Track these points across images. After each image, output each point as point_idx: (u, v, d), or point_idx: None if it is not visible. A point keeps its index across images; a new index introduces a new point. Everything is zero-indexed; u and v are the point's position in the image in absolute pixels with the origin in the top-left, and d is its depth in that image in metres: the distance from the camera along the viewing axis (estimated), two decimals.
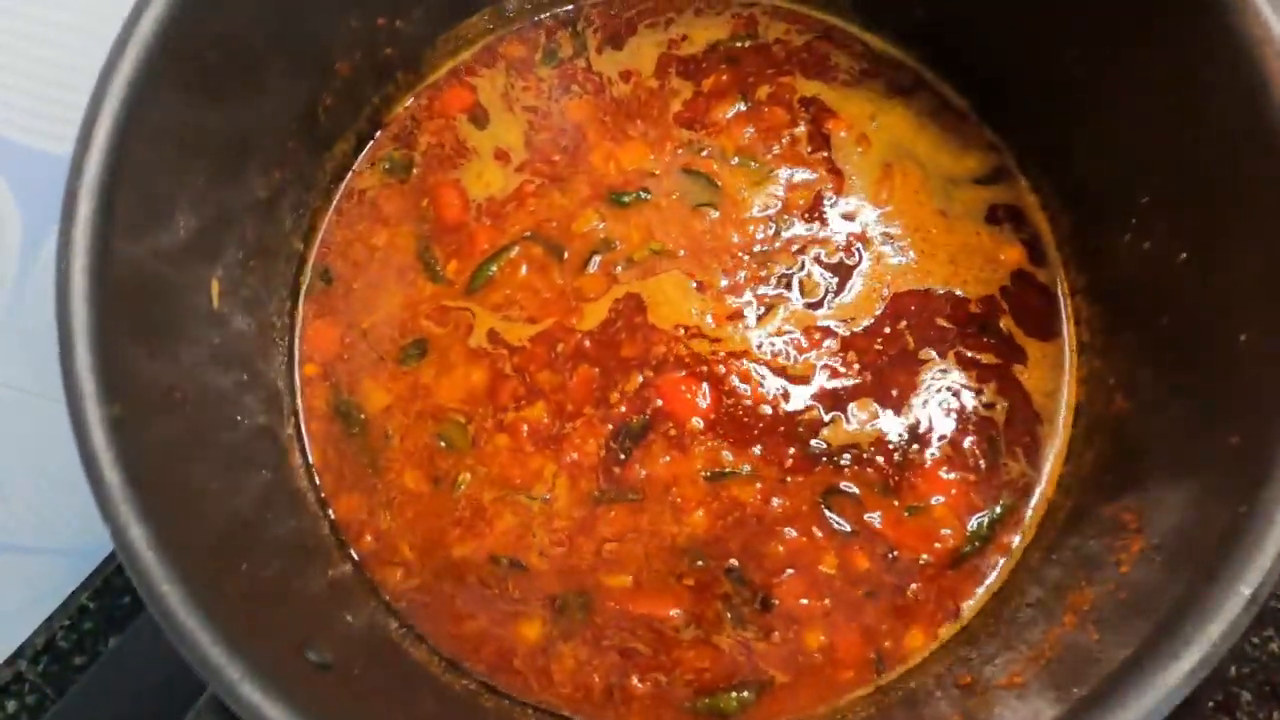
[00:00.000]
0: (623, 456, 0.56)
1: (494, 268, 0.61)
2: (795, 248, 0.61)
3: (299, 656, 0.40)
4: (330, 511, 0.57)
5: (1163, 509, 0.44)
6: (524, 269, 0.61)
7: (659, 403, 0.57)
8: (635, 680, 0.52)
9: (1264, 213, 0.41)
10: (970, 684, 0.46)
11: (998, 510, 0.56)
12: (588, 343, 0.59)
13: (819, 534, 0.55)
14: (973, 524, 0.55)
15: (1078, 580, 0.47)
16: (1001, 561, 0.55)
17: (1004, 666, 0.45)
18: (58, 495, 0.68)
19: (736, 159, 0.63)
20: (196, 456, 0.45)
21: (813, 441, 0.56)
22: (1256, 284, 0.42)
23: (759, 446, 0.56)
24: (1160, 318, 0.50)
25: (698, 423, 0.57)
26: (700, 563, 0.54)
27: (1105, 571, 0.45)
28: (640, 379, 0.58)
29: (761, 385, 0.58)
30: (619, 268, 0.61)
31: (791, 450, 0.56)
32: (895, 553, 0.54)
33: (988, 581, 0.54)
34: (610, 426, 0.57)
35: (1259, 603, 0.34)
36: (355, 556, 0.56)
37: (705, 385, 0.57)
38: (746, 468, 0.56)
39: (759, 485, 0.55)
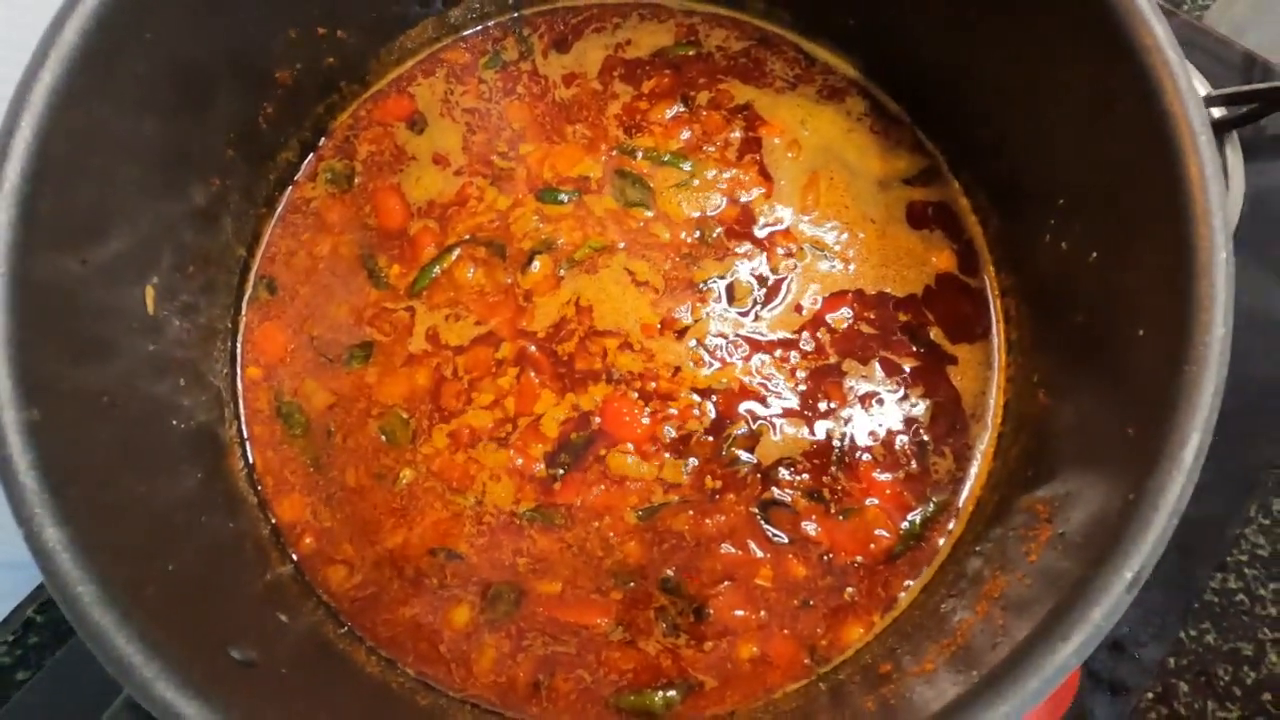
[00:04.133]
0: (560, 472, 0.57)
1: (437, 269, 0.62)
2: (724, 254, 0.62)
3: (221, 655, 0.40)
4: (271, 514, 0.57)
5: (1070, 500, 0.45)
6: (471, 271, 0.62)
7: (598, 421, 0.58)
8: (559, 677, 0.53)
9: (1158, 213, 0.43)
10: (888, 673, 0.47)
11: (930, 507, 0.57)
12: (533, 348, 0.60)
13: (755, 548, 0.55)
14: (906, 523, 0.56)
15: (993, 570, 0.48)
16: (933, 556, 0.56)
17: (920, 656, 0.46)
18: (2, 507, 0.67)
19: (668, 157, 0.64)
20: (126, 460, 0.45)
21: (744, 456, 0.57)
22: (1152, 282, 0.43)
23: (689, 465, 0.57)
24: (1075, 315, 0.52)
25: (630, 447, 0.57)
26: (632, 584, 0.55)
27: (1016, 561, 0.46)
28: (585, 394, 0.58)
29: (692, 403, 0.58)
30: (562, 269, 0.62)
31: (720, 470, 0.57)
32: (830, 555, 0.55)
33: (920, 575, 0.55)
34: (554, 440, 0.57)
35: (1140, 584, 0.35)
36: (295, 558, 0.56)
37: (647, 408, 0.58)
38: (676, 498, 0.56)
39: (691, 513, 0.56)
